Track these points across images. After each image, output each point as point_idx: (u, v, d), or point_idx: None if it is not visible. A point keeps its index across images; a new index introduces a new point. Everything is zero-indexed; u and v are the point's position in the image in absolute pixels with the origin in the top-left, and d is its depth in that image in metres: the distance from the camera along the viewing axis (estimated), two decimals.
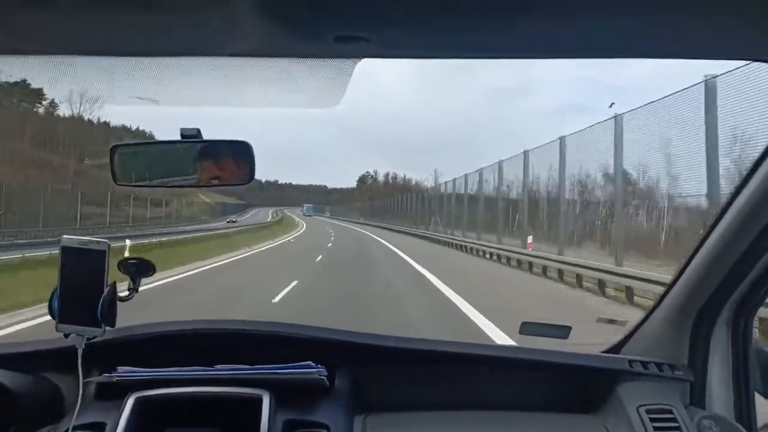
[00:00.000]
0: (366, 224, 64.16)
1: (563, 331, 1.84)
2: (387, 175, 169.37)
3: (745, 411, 1.46)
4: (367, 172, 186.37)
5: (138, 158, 1.39)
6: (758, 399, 1.48)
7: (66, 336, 1.26)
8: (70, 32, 0.78)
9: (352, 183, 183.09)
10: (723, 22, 0.72)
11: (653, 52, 0.82)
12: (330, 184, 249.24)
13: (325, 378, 1.44)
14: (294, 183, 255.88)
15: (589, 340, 1.89)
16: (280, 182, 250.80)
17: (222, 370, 1.43)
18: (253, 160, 1.30)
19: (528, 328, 1.94)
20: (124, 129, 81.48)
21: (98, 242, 1.25)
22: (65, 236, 1.25)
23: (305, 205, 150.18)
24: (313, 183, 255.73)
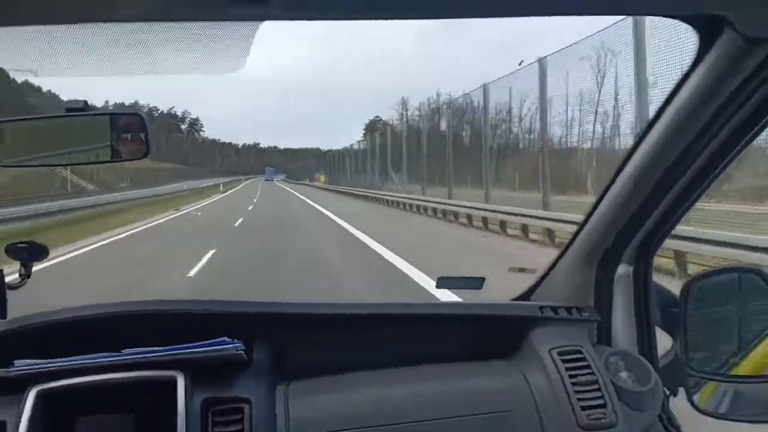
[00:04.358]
0: None
1: (477, 282, 1.90)
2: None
3: (647, 345, 1.57)
4: (378, 116, 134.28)
5: (19, 135, 1.27)
6: (658, 332, 1.59)
7: None
8: None
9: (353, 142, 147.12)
10: None
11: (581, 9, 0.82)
12: (324, 146, 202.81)
13: (242, 352, 1.40)
14: (280, 147, 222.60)
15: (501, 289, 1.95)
16: (261, 146, 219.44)
17: (130, 354, 1.35)
18: (147, 133, 1.23)
19: (443, 282, 1.98)
20: None
21: None
22: None
23: (267, 168, 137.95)
24: (303, 146, 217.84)
